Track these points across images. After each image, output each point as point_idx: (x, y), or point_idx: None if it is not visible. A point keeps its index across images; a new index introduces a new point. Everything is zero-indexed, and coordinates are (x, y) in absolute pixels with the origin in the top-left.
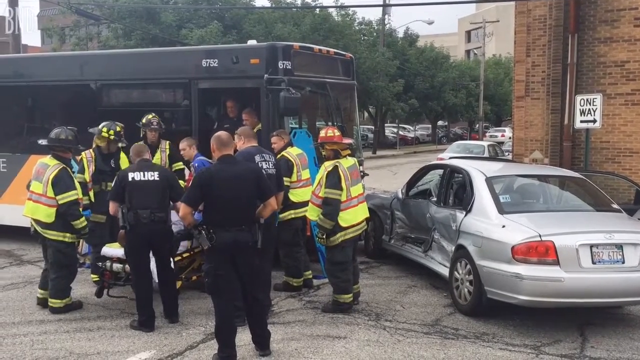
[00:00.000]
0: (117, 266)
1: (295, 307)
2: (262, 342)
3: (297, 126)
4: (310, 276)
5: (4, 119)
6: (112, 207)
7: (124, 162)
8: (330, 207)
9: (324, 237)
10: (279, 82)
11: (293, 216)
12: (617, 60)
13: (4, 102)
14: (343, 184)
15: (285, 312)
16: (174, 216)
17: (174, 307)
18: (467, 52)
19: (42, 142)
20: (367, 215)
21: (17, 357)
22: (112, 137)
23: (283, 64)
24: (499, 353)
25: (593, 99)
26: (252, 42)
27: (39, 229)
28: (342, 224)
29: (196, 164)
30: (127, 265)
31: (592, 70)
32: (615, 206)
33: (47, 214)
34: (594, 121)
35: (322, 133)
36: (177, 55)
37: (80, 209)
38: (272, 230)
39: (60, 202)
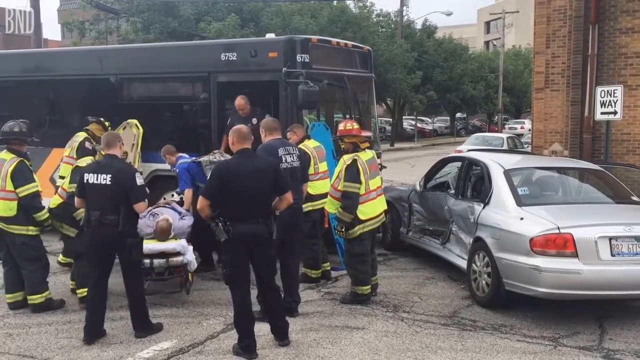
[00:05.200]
0: None
1: (314, 298)
2: (280, 332)
3: (315, 119)
4: (329, 268)
5: (27, 112)
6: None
7: None
8: (350, 201)
9: (343, 230)
10: (297, 75)
11: (311, 208)
12: (639, 51)
13: (26, 96)
14: (362, 178)
15: (304, 303)
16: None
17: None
18: (486, 43)
19: None
20: (386, 207)
21: (42, 346)
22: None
23: (301, 57)
24: (517, 345)
25: (614, 90)
26: (270, 36)
27: (3, 225)
28: (361, 216)
29: (177, 170)
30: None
31: (613, 61)
32: (635, 198)
33: (9, 208)
34: (615, 113)
35: (341, 126)
36: (197, 49)
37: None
38: (299, 228)
39: (20, 195)
